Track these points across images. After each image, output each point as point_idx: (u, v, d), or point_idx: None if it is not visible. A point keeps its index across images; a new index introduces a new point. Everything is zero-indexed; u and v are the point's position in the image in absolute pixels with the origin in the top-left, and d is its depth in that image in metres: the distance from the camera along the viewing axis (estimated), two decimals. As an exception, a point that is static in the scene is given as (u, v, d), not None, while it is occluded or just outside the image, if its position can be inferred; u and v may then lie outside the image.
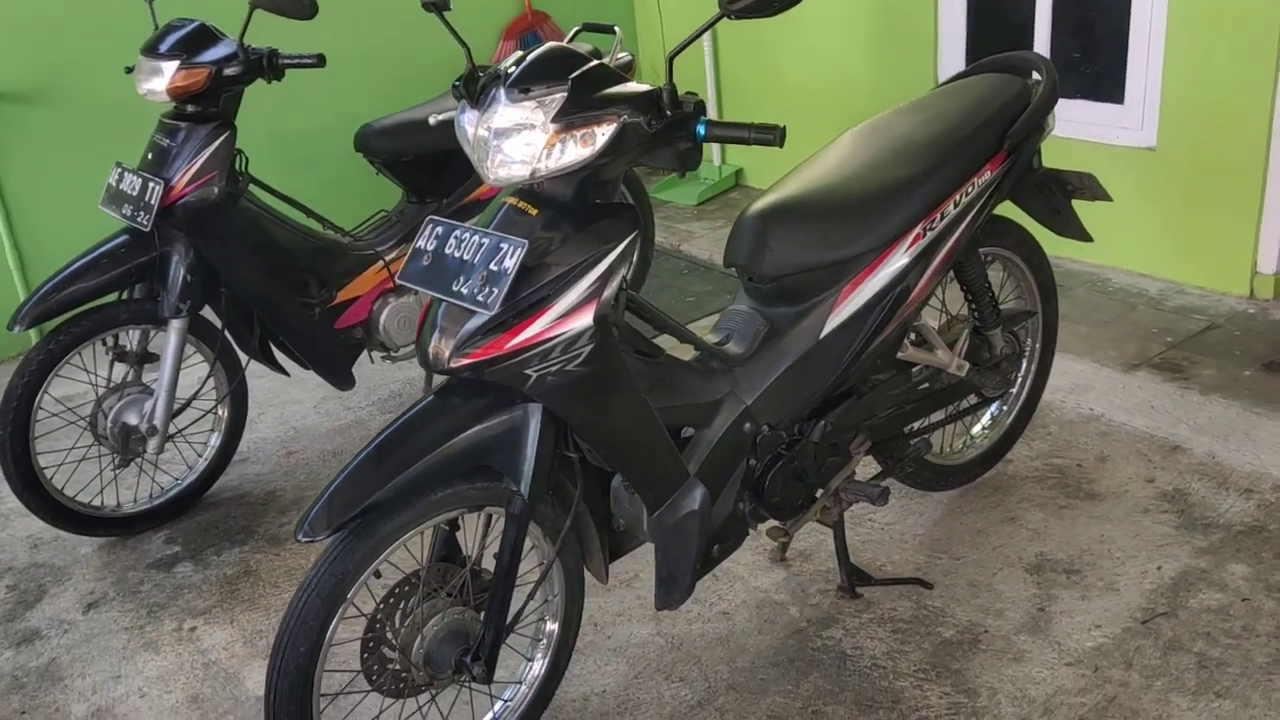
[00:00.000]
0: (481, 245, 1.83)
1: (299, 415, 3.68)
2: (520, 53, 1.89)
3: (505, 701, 2.20)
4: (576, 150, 1.81)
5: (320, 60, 3.06)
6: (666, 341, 2.16)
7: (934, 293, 2.51)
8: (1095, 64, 4.06)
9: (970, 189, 2.43)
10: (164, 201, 2.87)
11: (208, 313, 3.06)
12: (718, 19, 1.84)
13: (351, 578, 1.84)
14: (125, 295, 2.99)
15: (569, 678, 2.34)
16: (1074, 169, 2.73)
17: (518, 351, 1.82)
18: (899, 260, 2.33)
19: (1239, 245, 3.77)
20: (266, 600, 2.77)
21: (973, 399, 2.80)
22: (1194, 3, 3.65)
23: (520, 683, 2.21)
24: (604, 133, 1.81)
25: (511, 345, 1.81)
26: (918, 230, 2.34)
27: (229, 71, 2.94)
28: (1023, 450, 3.09)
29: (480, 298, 1.79)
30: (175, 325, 2.95)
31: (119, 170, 2.97)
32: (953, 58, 4.41)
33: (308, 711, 1.86)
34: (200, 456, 3.20)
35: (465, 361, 1.82)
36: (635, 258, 1.95)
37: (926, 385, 2.57)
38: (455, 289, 1.83)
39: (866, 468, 2.67)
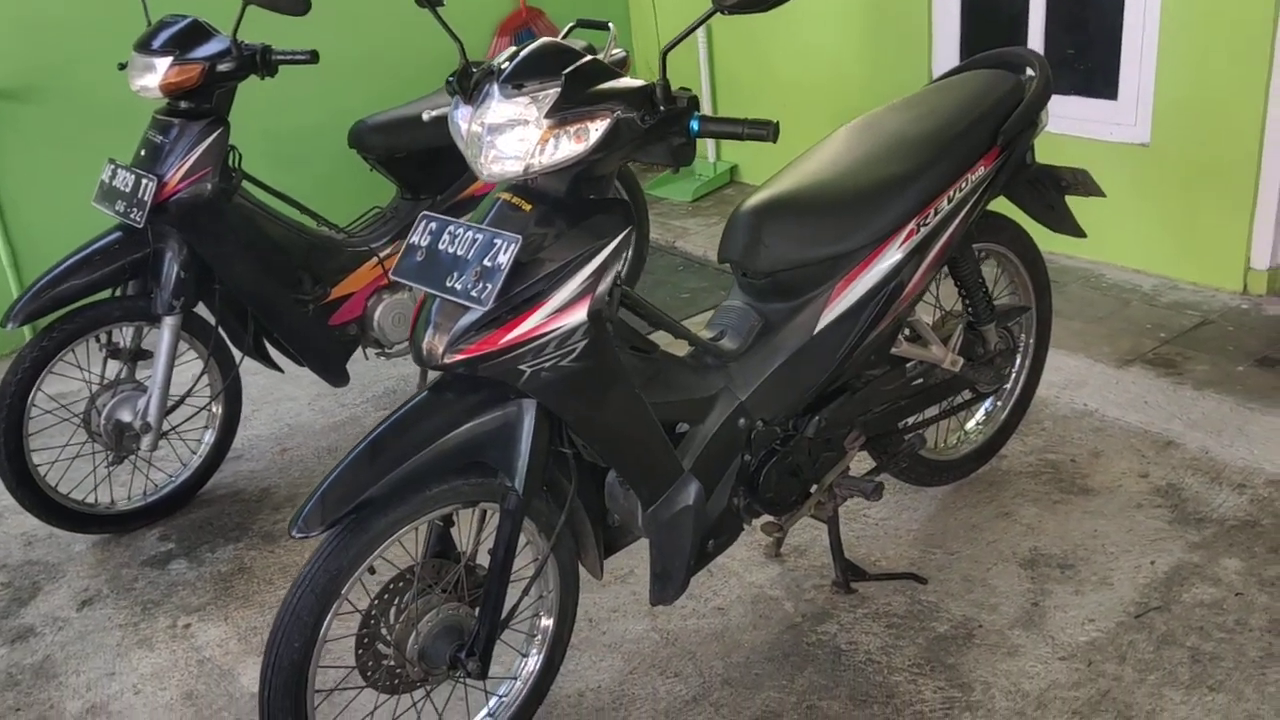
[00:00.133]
0: (475, 241, 1.83)
1: (293, 412, 3.68)
2: (514, 48, 1.89)
3: (500, 697, 2.20)
4: (570, 146, 1.81)
5: (314, 56, 3.06)
6: (661, 337, 2.16)
7: (928, 288, 2.51)
8: (1089, 60, 4.07)
9: (964, 185, 2.43)
10: (157, 198, 2.86)
11: (202, 309, 3.06)
12: (711, 14, 1.84)
13: (346, 573, 1.84)
14: (119, 292, 2.99)
15: (564, 673, 2.34)
16: (1067, 165, 2.73)
17: (512, 347, 1.82)
18: (893, 256, 2.33)
19: (1232, 241, 3.78)
20: (261, 597, 2.77)
21: (967, 394, 2.80)
22: (1187, -1, 3.66)
23: (515, 678, 2.21)
24: (597, 128, 1.81)
25: (505, 341, 1.81)
26: (911, 226, 2.35)
27: (222, 68, 2.94)
28: (1017, 445, 3.09)
29: (474, 293, 1.79)
30: (169, 322, 2.94)
31: (112, 167, 2.97)
32: (947, 54, 4.42)
33: (302, 707, 1.86)
34: (194, 453, 3.19)
35: (459, 357, 1.82)
36: (630, 253, 1.95)
37: (920, 381, 2.57)
38: (449, 285, 1.83)
39: (861, 463, 2.68)
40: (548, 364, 1.85)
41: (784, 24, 4.83)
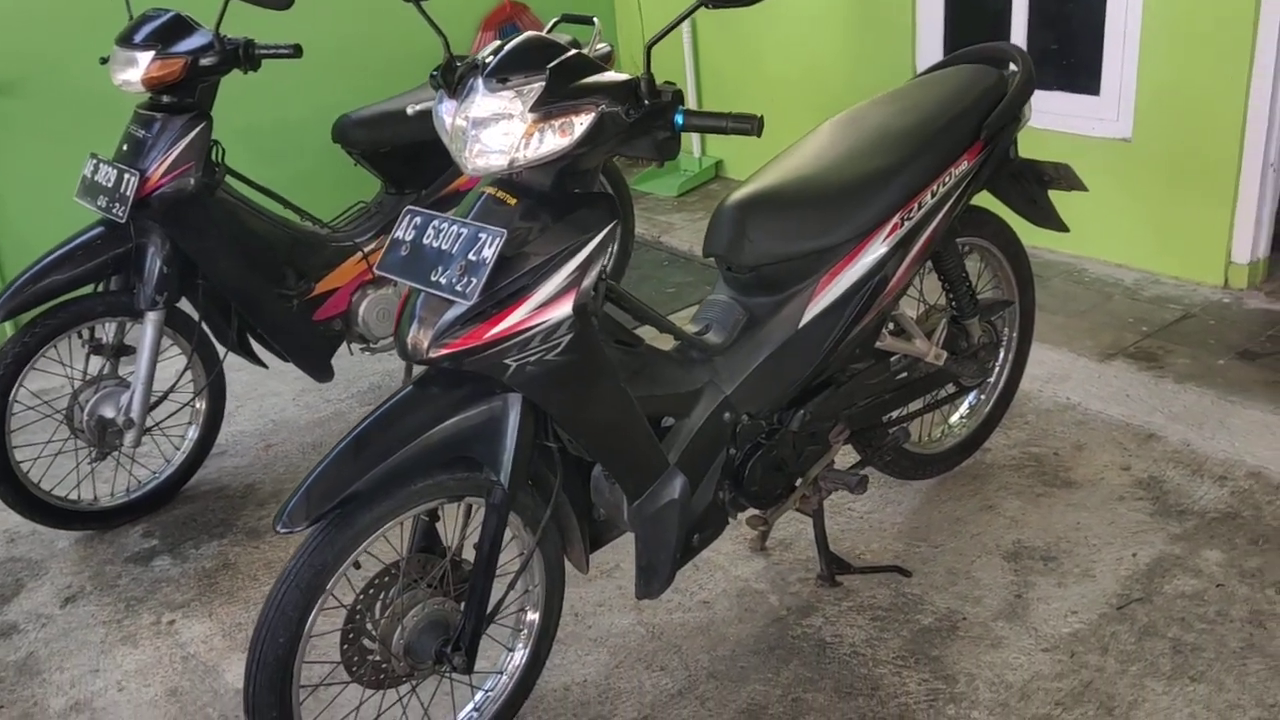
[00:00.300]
0: (460, 235, 1.83)
1: (277, 408, 3.67)
2: (498, 42, 1.88)
3: (486, 692, 2.20)
4: (555, 140, 1.81)
5: (297, 51, 3.05)
6: (646, 332, 2.16)
7: (912, 282, 2.52)
8: (1071, 55, 4.08)
9: (947, 179, 2.44)
10: (140, 193, 2.84)
11: (185, 305, 3.04)
12: (695, 8, 1.85)
13: (331, 569, 1.83)
14: (101, 287, 2.97)
15: (550, 667, 2.34)
16: (1050, 160, 2.75)
17: (497, 341, 1.82)
18: (877, 250, 2.34)
19: (1214, 235, 3.80)
20: (245, 593, 2.76)
21: (951, 388, 2.81)
22: (1169, -6, 3.68)
23: (501, 673, 2.21)
24: (582, 122, 1.81)
25: (490, 335, 1.81)
26: (895, 220, 2.36)
27: (205, 62, 2.92)
28: (1000, 439, 3.11)
29: (459, 287, 1.79)
30: (152, 317, 2.93)
31: (94, 161, 2.95)
32: (931, 49, 4.43)
33: (287, 703, 1.86)
34: (178, 449, 3.18)
35: (444, 351, 1.82)
36: (615, 248, 1.95)
37: (905, 374, 2.58)
38: (434, 279, 1.82)
39: (845, 456, 2.69)
40: (533, 358, 1.85)
41: (769, 19, 4.84)
